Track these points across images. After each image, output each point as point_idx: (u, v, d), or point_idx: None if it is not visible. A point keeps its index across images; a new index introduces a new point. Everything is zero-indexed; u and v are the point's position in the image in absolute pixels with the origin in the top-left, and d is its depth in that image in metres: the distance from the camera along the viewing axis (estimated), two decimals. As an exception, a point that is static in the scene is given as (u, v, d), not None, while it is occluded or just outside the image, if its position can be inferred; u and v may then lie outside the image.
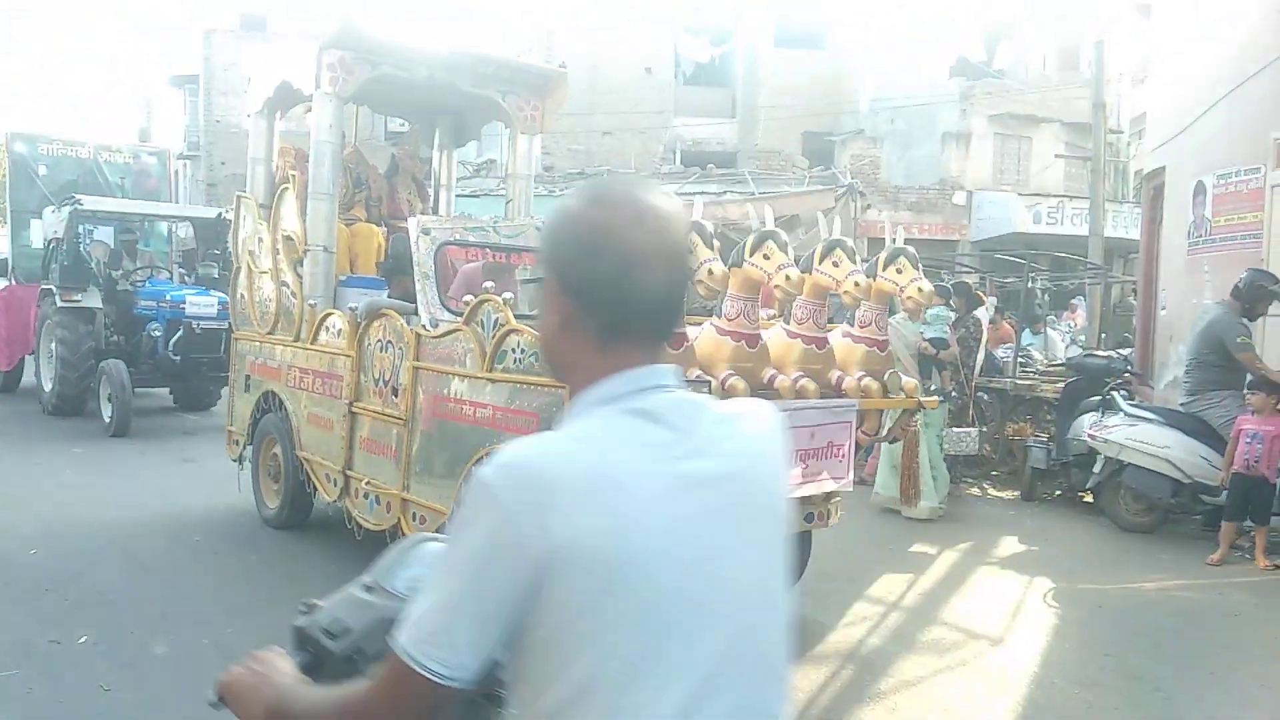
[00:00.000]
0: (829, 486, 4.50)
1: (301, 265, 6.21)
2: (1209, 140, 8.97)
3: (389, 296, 5.85)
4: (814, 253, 4.59)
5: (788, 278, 4.12)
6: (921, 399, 4.95)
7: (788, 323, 4.63)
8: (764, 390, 4.26)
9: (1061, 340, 14.20)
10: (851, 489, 4.63)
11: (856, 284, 4.41)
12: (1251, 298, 6.93)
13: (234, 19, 28.82)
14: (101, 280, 11.16)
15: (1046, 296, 19.27)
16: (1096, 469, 7.47)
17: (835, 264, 4.50)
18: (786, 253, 4.19)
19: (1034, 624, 5.22)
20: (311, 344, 6.04)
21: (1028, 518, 7.77)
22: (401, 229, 7.03)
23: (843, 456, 4.44)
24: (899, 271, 4.64)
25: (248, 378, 6.86)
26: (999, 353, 10.42)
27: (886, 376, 4.71)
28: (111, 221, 12.14)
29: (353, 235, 6.83)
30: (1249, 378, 6.72)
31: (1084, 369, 8.70)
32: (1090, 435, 7.47)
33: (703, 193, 19.69)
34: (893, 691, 4.21)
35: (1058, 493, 8.46)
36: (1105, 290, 16.12)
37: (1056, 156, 25.71)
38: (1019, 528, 7.39)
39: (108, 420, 10.02)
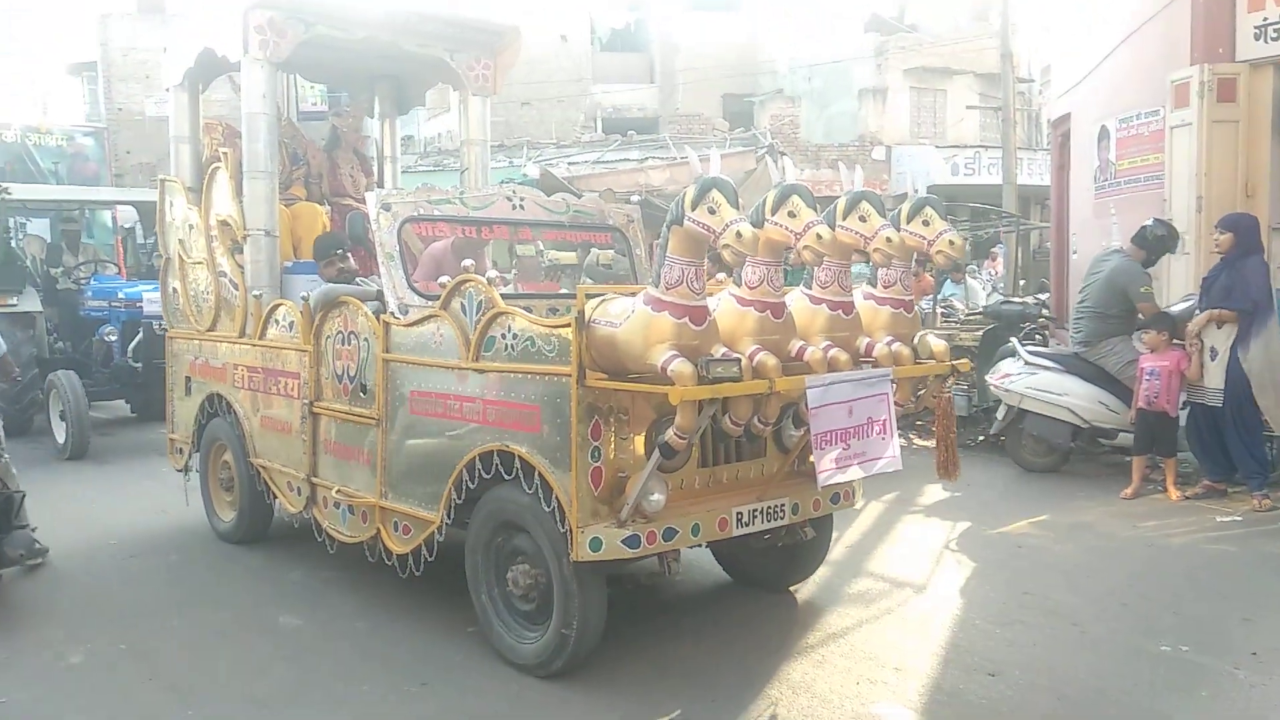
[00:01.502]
0: (876, 469, 3.95)
1: (241, 252, 5.70)
2: (1111, 85, 9.12)
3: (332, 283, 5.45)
4: (835, 209, 4.15)
5: (819, 236, 3.62)
6: (954, 362, 4.42)
7: (808, 287, 4.17)
8: (793, 363, 3.85)
9: (983, 289, 14.49)
10: (900, 468, 4.05)
11: (889, 239, 4.00)
12: (1155, 248, 7.12)
13: (130, 3, 27.57)
14: (40, 279, 10.05)
15: (967, 246, 19.60)
16: (999, 415, 7.67)
17: (862, 218, 4.06)
18: (815, 209, 3.76)
19: (956, 568, 5.34)
20: (259, 339, 5.55)
21: (951, 464, 7.91)
22: (345, 206, 6.69)
23: (885, 433, 3.95)
24: (925, 223, 4.14)
25: (188, 379, 6.34)
26: (921, 304, 10.56)
27: (916, 340, 4.26)
28: (47, 212, 11.06)
29: (294, 217, 6.30)
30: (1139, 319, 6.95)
31: (1000, 316, 8.90)
32: (994, 384, 7.64)
33: (624, 159, 19.64)
34: (820, 644, 4.28)
35: (980, 438, 8.63)
36: (1023, 238, 16.44)
37: (969, 108, 26.09)
38: (943, 475, 7.52)
39: (61, 441, 8.73)
